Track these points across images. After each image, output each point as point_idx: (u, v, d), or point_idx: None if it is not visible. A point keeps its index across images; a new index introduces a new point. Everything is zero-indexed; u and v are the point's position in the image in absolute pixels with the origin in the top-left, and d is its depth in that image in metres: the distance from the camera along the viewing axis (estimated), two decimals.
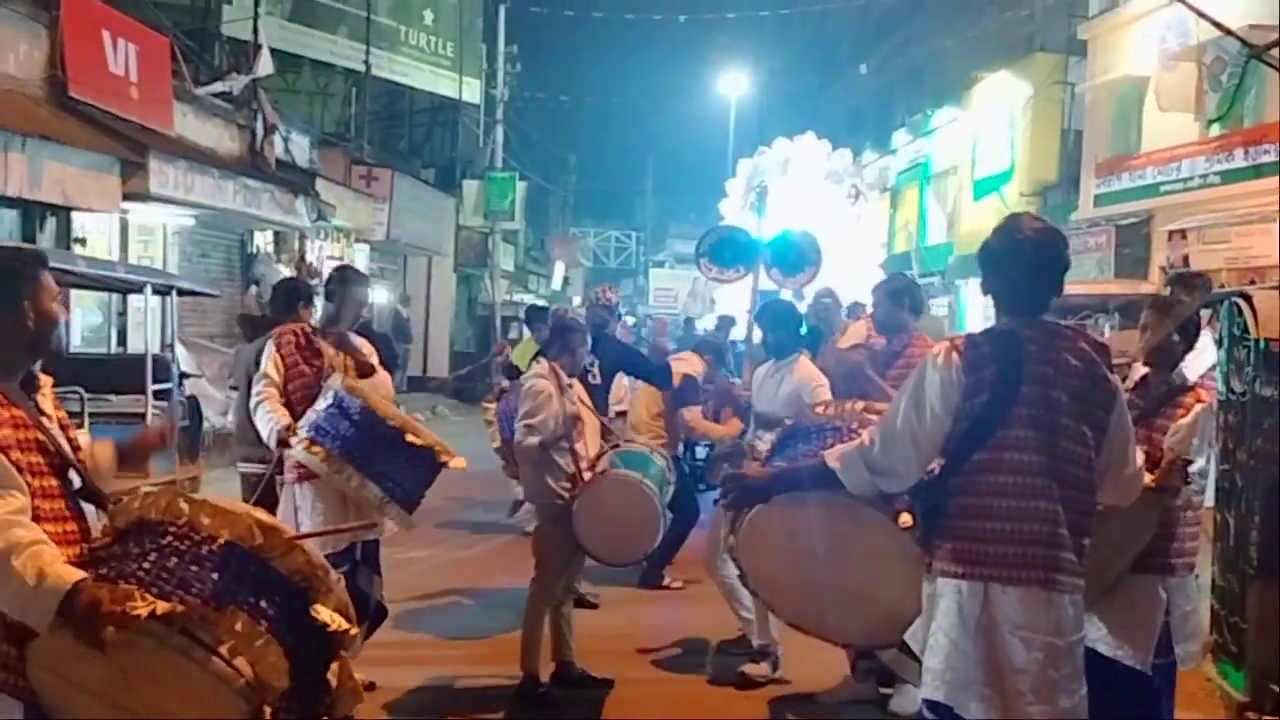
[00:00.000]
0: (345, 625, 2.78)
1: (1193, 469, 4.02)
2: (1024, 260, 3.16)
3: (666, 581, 8.00)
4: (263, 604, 2.68)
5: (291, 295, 6.32)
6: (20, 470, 2.70)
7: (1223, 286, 11.31)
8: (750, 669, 5.93)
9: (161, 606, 2.55)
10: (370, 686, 5.22)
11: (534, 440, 5.54)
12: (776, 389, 6.02)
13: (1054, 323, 3.29)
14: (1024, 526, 3.01)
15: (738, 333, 12.87)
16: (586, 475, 5.62)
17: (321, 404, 4.96)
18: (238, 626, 2.60)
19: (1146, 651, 3.99)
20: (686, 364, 8.11)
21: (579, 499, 5.52)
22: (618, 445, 6.06)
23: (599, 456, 5.86)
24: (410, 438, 4.83)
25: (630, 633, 6.82)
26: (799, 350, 6.22)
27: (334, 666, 2.82)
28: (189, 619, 2.58)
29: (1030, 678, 2.98)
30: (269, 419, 5.18)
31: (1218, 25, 10.27)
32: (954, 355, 3.10)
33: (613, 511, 5.54)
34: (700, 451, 11.02)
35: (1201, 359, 6.01)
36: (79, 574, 2.62)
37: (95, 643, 2.53)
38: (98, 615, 2.53)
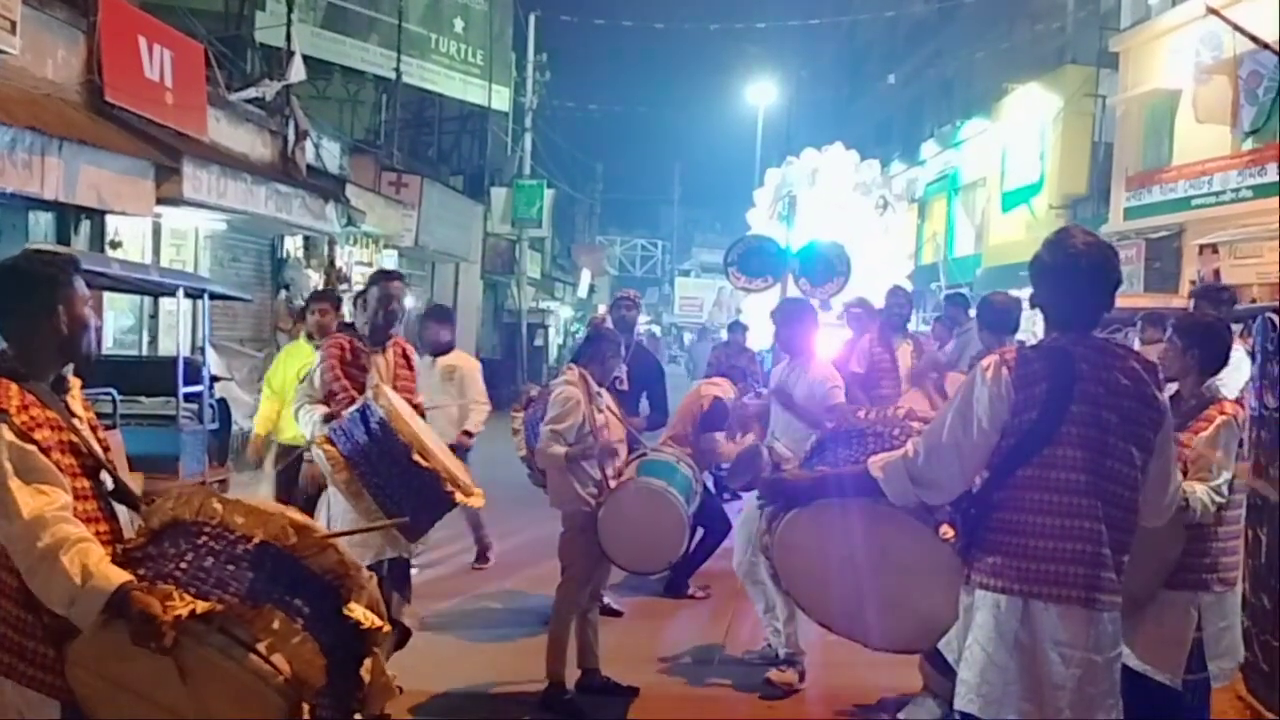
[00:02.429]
0: (378, 622, 2.82)
1: (1214, 483, 3.98)
2: (1078, 274, 3.12)
3: (691, 591, 8.00)
4: (298, 602, 2.72)
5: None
6: (59, 471, 2.74)
7: (1254, 302, 11.22)
8: (776, 676, 5.92)
9: (201, 606, 2.59)
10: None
11: (558, 448, 5.55)
12: (793, 389, 6.03)
13: (1105, 340, 3.26)
14: (1067, 545, 3.01)
15: (756, 341, 12.81)
16: (613, 483, 5.63)
17: (352, 407, 4.96)
18: (275, 624, 2.64)
19: (1176, 667, 3.97)
20: (719, 388, 8.07)
21: (604, 507, 5.52)
22: (644, 454, 6.05)
23: (625, 465, 5.86)
24: (417, 457, 4.67)
25: (655, 641, 6.82)
26: (813, 348, 6.23)
27: (367, 663, 2.85)
28: (227, 617, 2.62)
29: (1068, 694, 2.99)
30: (306, 416, 5.26)
31: (1253, 39, 10.21)
32: (1004, 370, 3.08)
33: (638, 520, 5.53)
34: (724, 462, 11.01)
35: (1237, 375, 5.95)
36: (125, 575, 2.66)
37: (160, 648, 2.57)
38: (153, 622, 2.57)
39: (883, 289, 9.89)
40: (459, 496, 4.77)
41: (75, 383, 3.02)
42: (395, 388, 5.38)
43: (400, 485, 4.74)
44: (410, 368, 5.67)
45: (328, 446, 4.84)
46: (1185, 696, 4.05)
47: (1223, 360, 4.27)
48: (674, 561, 6.07)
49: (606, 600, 6.75)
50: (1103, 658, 3.02)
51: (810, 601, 3.87)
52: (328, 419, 5.09)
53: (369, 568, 5.14)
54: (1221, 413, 4.08)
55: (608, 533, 5.50)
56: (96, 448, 2.93)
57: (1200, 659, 4.07)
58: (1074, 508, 3.01)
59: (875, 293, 10.47)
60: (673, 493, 5.64)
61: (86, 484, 2.84)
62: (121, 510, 2.99)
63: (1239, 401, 4.66)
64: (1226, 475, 4.07)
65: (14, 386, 2.75)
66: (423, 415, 5.45)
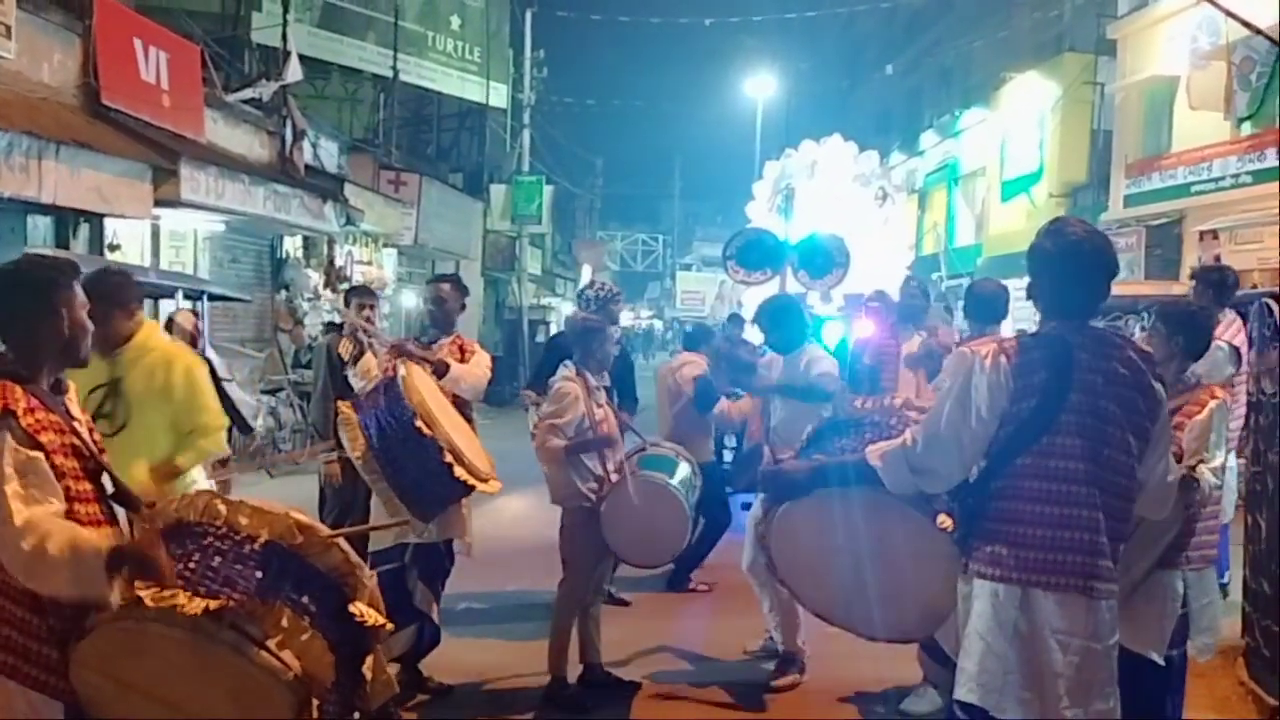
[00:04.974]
0: (380, 620, 2.84)
1: (1213, 465, 4.04)
2: (1079, 262, 3.12)
3: (694, 585, 8.00)
4: (305, 600, 2.75)
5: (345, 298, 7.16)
6: (62, 475, 2.77)
7: (1255, 287, 11.21)
8: (781, 682, 5.91)
9: (213, 603, 2.61)
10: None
11: (558, 442, 5.55)
12: (789, 376, 6.01)
13: (1102, 329, 3.26)
14: (1065, 534, 3.02)
15: (754, 334, 12.77)
16: (614, 477, 5.63)
17: (382, 400, 4.95)
18: (283, 621, 2.67)
19: (1163, 643, 4.03)
20: (695, 366, 8.07)
21: (607, 501, 5.52)
22: (644, 449, 6.04)
23: (625, 460, 5.85)
24: (419, 424, 4.75)
25: (658, 635, 6.82)
26: (806, 342, 6.16)
27: (368, 660, 2.88)
28: (238, 614, 2.64)
29: (1067, 681, 3.00)
30: None
31: (1247, 25, 10.18)
32: (1003, 359, 3.08)
33: (640, 514, 5.52)
34: (728, 455, 11.01)
35: (1218, 372, 5.94)
36: (113, 541, 2.73)
37: (165, 570, 2.63)
38: (150, 551, 2.63)
39: (884, 281, 9.86)
40: (459, 472, 4.80)
41: (73, 385, 3.05)
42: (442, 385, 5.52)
43: (406, 455, 4.80)
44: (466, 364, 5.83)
45: (346, 410, 4.97)
46: (1167, 670, 4.10)
47: (1205, 346, 4.34)
48: (676, 555, 6.05)
49: (613, 590, 6.74)
50: (1102, 645, 3.04)
51: (806, 591, 3.88)
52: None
53: (390, 552, 5.22)
54: (1213, 397, 4.17)
55: (610, 526, 5.51)
56: (96, 450, 2.95)
57: (1182, 634, 4.13)
58: (1072, 496, 3.02)
59: (877, 285, 10.47)
60: (674, 486, 5.66)
61: (88, 487, 2.87)
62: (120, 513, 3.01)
63: (1226, 386, 4.70)
64: (1221, 456, 4.14)
65: (19, 389, 2.78)
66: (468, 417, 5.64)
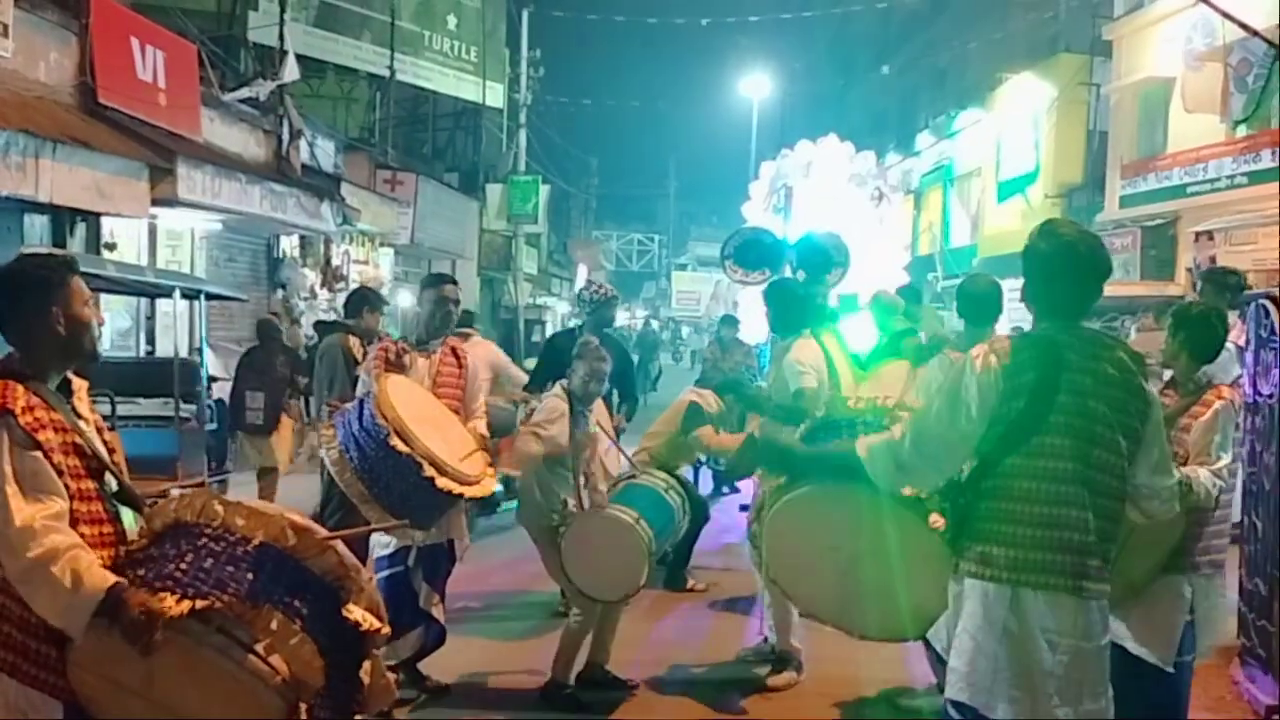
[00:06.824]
0: (377, 624, 2.83)
1: (1219, 465, 4.01)
2: (1075, 262, 3.13)
3: (691, 584, 8.00)
4: (297, 603, 2.73)
5: (357, 300, 7.40)
6: (61, 473, 2.76)
7: (1250, 288, 11.25)
8: (774, 676, 5.91)
9: (199, 604, 2.60)
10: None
11: (536, 448, 5.53)
12: (771, 367, 6.00)
13: (1093, 330, 3.27)
14: (1055, 534, 3.02)
15: (749, 334, 12.79)
16: (587, 504, 5.58)
17: (355, 422, 4.83)
18: (273, 625, 2.66)
19: (1169, 649, 4.01)
20: (701, 399, 8.00)
21: (571, 529, 5.50)
22: (635, 476, 5.98)
23: (613, 486, 5.79)
24: (393, 441, 4.60)
25: (654, 635, 6.83)
26: (802, 330, 6.09)
27: (366, 665, 2.87)
28: (226, 617, 2.64)
29: (1057, 680, 3.00)
30: None
31: (1244, 26, 10.21)
32: (993, 360, 3.09)
33: (599, 548, 5.46)
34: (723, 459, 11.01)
35: (1224, 373, 5.93)
36: (114, 578, 2.69)
37: (146, 647, 2.60)
38: (145, 616, 2.60)
39: (880, 281, 9.87)
40: (443, 483, 4.65)
41: (81, 385, 3.04)
42: (436, 382, 5.46)
43: (388, 472, 4.69)
44: (460, 366, 5.69)
45: (327, 431, 4.91)
46: (1174, 677, 4.09)
47: (1214, 347, 4.30)
48: (630, 595, 5.87)
49: None
50: (1092, 645, 3.04)
51: (798, 590, 3.90)
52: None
53: (394, 556, 5.22)
54: (1219, 397, 4.13)
55: (569, 554, 5.48)
56: (101, 450, 2.94)
57: (1191, 641, 4.11)
58: (1062, 496, 3.03)
59: (871, 285, 10.47)
60: (640, 527, 5.48)
61: (91, 485, 2.86)
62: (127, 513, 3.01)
63: (1235, 387, 4.68)
64: (1226, 459, 4.11)
65: (20, 387, 2.77)
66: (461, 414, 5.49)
